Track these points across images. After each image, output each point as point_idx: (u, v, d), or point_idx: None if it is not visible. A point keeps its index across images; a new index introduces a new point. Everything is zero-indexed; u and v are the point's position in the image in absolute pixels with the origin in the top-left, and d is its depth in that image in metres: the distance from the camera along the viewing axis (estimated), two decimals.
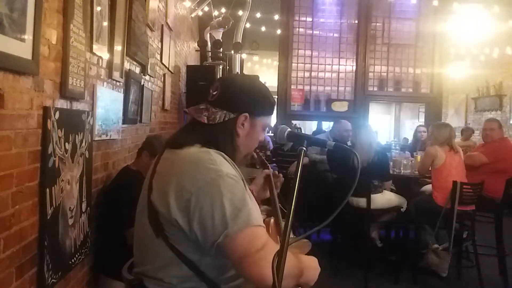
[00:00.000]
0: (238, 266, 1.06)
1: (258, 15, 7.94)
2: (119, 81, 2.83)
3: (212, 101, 1.23)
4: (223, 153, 1.17)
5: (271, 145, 6.14)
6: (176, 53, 5.59)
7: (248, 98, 1.24)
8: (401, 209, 3.97)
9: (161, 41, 4.43)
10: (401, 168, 4.54)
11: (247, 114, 1.23)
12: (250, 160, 1.46)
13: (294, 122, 8.08)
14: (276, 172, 1.70)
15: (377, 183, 3.95)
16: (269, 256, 1.03)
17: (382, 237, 4.31)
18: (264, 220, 1.32)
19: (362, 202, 3.83)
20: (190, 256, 1.10)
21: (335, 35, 7.18)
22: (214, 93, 1.24)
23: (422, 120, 9.69)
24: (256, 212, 1.11)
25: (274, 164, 5.56)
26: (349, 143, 5.88)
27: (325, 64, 7.20)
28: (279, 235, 1.32)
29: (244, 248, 1.04)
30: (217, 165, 1.10)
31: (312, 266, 1.26)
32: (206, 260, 1.10)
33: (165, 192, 1.09)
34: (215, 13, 7.47)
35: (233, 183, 1.09)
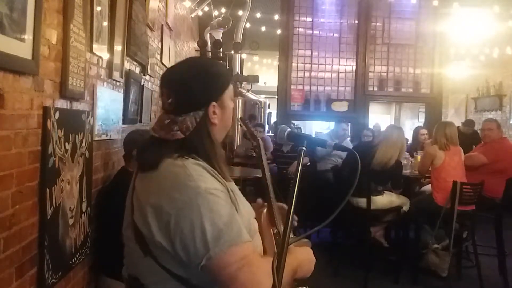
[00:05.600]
0: (223, 286, 1.02)
1: (258, 15, 7.93)
2: (119, 81, 2.83)
3: (172, 111, 1.13)
4: (202, 163, 1.10)
5: (270, 145, 6.13)
6: (176, 53, 5.59)
7: (204, 87, 1.13)
8: (402, 209, 3.96)
9: (161, 41, 4.43)
10: None
11: (214, 103, 1.15)
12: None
13: (294, 122, 8.09)
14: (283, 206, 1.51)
15: (381, 189, 3.94)
16: (253, 274, 1.01)
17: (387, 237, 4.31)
18: (257, 212, 1.29)
19: (362, 202, 3.84)
20: (181, 274, 1.06)
21: (335, 35, 7.20)
22: (169, 101, 1.13)
23: (422, 120, 9.69)
24: (241, 226, 1.05)
25: (274, 164, 5.56)
26: (349, 139, 5.98)
27: (325, 64, 7.22)
28: (272, 226, 1.29)
29: (227, 268, 1.00)
30: (195, 181, 1.03)
31: (306, 261, 1.23)
32: (197, 274, 1.05)
33: (145, 214, 1.05)
34: (215, 13, 7.47)
35: (213, 198, 1.03)
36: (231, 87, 1.22)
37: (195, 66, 1.19)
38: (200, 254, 1.00)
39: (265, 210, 1.30)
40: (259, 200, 1.42)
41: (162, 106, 1.17)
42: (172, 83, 1.15)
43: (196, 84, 1.13)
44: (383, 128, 7.40)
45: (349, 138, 6.34)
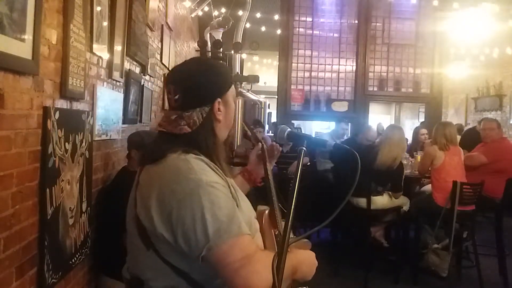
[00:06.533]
0: (224, 277, 1.04)
1: (258, 15, 7.93)
2: (119, 81, 2.83)
3: (178, 106, 1.16)
4: (203, 158, 1.12)
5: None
6: (176, 53, 5.59)
7: (211, 83, 1.18)
8: (402, 209, 3.97)
9: (161, 41, 4.43)
10: None
11: (219, 99, 1.19)
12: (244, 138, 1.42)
13: (294, 122, 8.08)
14: (276, 144, 1.61)
15: (381, 189, 3.94)
16: (254, 266, 1.01)
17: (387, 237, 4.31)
18: (258, 211, 1.29)
19: (362, 202, 3.84)
20: (182, 267, 1.08)
21: (335, 35, 7.20)
22: (176, 97, 1.16)
23: (422, 120, 9.68)
24: (241, 219, 1.07)
25: (274, 165, 5.55)
26: (345, 137, 6.01)
27: (325, 64, 7.21)
28: (273, 227, 1.29)
29: (228, 259, 1.01)
30: (196, 174, 1.06)
31: (306, 262, 1.23)
32: (198, 268, 1.07)
33: (148, 206, 1.07)
34: (215, 13, 7.46)
35: (214, 191, 1.05)
36: (233, 87, 1.26)
37: (201, 64, 1.25)
38: (201, 245, 1.01)
39: (266, 211, 1.30)
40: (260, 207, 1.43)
41: (169, 103, 1.20)
42: (180, 79, 1.19)
43: (203, 80, 1.17)
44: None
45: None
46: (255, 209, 1.30)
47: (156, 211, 1.05)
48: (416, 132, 6.14)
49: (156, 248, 1.08)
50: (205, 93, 1.17)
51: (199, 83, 1.17)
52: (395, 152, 3.85)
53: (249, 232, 1.09)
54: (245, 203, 1.21)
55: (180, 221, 1.02)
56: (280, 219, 1.30)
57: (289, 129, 1.30)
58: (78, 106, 2.13)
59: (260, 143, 1.54)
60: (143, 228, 1.08)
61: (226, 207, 1.05)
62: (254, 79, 8.12)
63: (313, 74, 7.22)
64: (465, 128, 7.88)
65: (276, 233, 1.28)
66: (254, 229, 1.20)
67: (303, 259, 1.23)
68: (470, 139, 5.65)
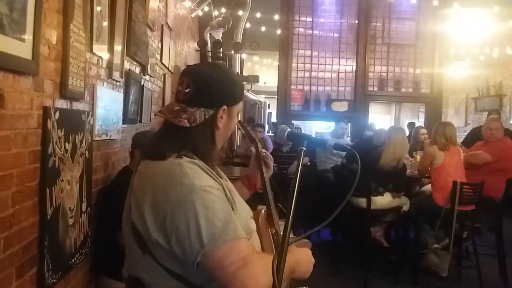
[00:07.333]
0: (221, 282, 1.03)
1: (258, 15, 7.93)
2: (119, 81, 2.83)
3: (185, 100, 1.16)
4: (197, 161, 1.11)
5: (270, 145, 6.13)
6: (176, 53, 5.59)
7: (224, 90, 1.18)
8: (402, 209, 3.97)
9: (161, 41, 4.43)
10: None
11: (225, 107, 1.18)
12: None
13: (294, 122, 8.09)
14: (265, 152, 1.57)
15: (381, 190, 3.95)
16: (251, 269, 1.00)
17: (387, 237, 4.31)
18: (254, 211, 1.29)
19: (362, 202, 3.84)
20: (179, 272, 1.07)
21: (335, 35, 7.21)
22: (186, 90, 1.16)
23: (422, 120, 9.69)
24: (237, 223, 1.05)
25: (274, 164, 5.55)
26: (348, 138, 6.00)
27: (325, 64, 7.22)
28: (270, 227, 1.29)
29: (224, 263, 1.00)
30: (189, 178, 1.05)
31: (304, 260, 1.23)
32: (195, 272, 1.06)
33: (142, 212, 1.06)
34: (215, 13, 7.47)
35: (209, 196, 1.04)
36: (241, 103, 1.26)
37: (222, 69, 1.24)
38: (196, 251, 1.00)
39: (263, 211, 1.30)
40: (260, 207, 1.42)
41: (176, 95, 1.20)
42: (197, 75, 1.18)
43: (219, 83, 1.17)
44: (377, 128, 7.39)
45: (349, 138, 6.34)
46: (255, 209, 1.30)
47: (150, 216, 1.04)
48: (416, 132, 6.14)
49: (152, 252, 1.07)
50: (215, 96, 1.17)
51: (214, 84, 1.17)
52: (399, 153, 3.87)
53: (245, 235, 1.08)
54: (241, 205, 1.20)
55: (174, 227, 1.01)
56: (277, 218, 1.30)
57: (289, 129, 1.30)
58: (78, 106, 2.13)
59: (255, 144, 1.53)
60: (139, 233, 1.08)
61: (221, 211, 1.04)
62: (254, 79, 8.14)
63: (313, 74, 7.23)
64: (458, 127, 7.84)
65: (273, 232, 1.28)
66: (251, 229, 1.20)
67: (301, 258, 1.23)
68: (478, 139, 5.60)
